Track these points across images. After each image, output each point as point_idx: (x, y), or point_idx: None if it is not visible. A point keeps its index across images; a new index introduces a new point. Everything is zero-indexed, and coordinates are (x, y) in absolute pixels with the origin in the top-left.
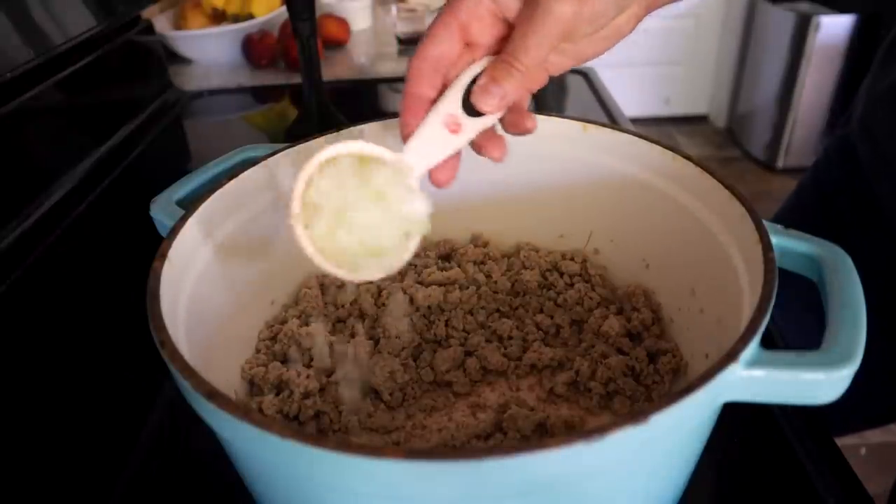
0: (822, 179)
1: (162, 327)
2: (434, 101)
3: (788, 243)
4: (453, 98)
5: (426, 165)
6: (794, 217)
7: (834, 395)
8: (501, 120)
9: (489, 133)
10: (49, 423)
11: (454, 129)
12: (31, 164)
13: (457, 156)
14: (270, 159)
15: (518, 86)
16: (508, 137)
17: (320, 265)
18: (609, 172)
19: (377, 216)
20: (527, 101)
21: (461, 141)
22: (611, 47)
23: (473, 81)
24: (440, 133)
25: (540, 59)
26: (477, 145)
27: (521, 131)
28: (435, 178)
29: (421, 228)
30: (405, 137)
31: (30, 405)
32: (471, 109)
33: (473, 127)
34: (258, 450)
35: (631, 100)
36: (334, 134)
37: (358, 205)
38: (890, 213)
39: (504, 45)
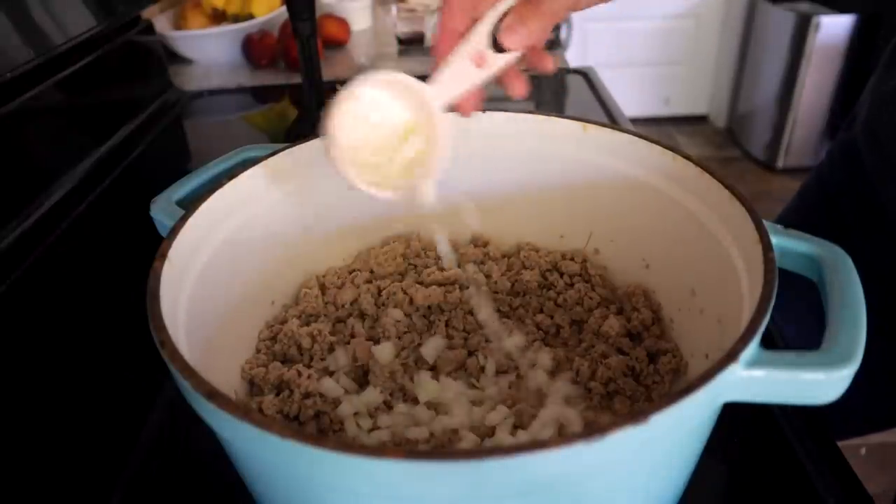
0: (825, 181)
1: (162, 327)
2: (464, 36)
3: (788, 243)
4: (481, 33)
5: (451, 94)
6: (798, 219)
7: (834, 395)
8: (521, 59)
9: (512, 71)
10: (49, 423)
11: (479, 62)
12: (31, 164)
13: (481, 89)
14: (270, 159)
15: (543, 26)
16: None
17: (350, 179)
18: (609, 172)
19: (404, 140)
20: (543, 41)
21: (485, 75)
22: None
23: (500, 19)
24: (467, 66)
25: (567, 1)
26: (500, 81)
27: (541, 69)
28: (461, 107)
29: (442, 152)
30: (436, 67)
31: (30, 405)
32: (495, 45)
33: (497, 62)
34: (258, 450)
35: (631, 100)
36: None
37: (388, 129)
38: (893, 215)
39: None
